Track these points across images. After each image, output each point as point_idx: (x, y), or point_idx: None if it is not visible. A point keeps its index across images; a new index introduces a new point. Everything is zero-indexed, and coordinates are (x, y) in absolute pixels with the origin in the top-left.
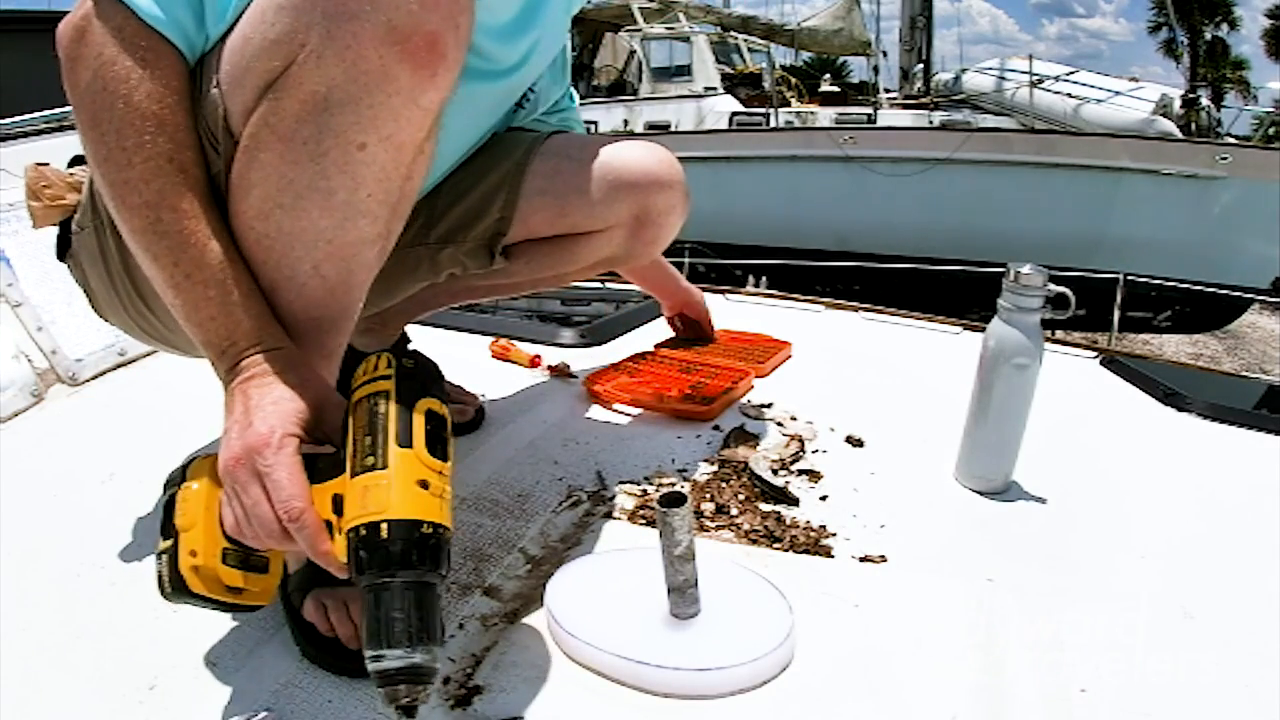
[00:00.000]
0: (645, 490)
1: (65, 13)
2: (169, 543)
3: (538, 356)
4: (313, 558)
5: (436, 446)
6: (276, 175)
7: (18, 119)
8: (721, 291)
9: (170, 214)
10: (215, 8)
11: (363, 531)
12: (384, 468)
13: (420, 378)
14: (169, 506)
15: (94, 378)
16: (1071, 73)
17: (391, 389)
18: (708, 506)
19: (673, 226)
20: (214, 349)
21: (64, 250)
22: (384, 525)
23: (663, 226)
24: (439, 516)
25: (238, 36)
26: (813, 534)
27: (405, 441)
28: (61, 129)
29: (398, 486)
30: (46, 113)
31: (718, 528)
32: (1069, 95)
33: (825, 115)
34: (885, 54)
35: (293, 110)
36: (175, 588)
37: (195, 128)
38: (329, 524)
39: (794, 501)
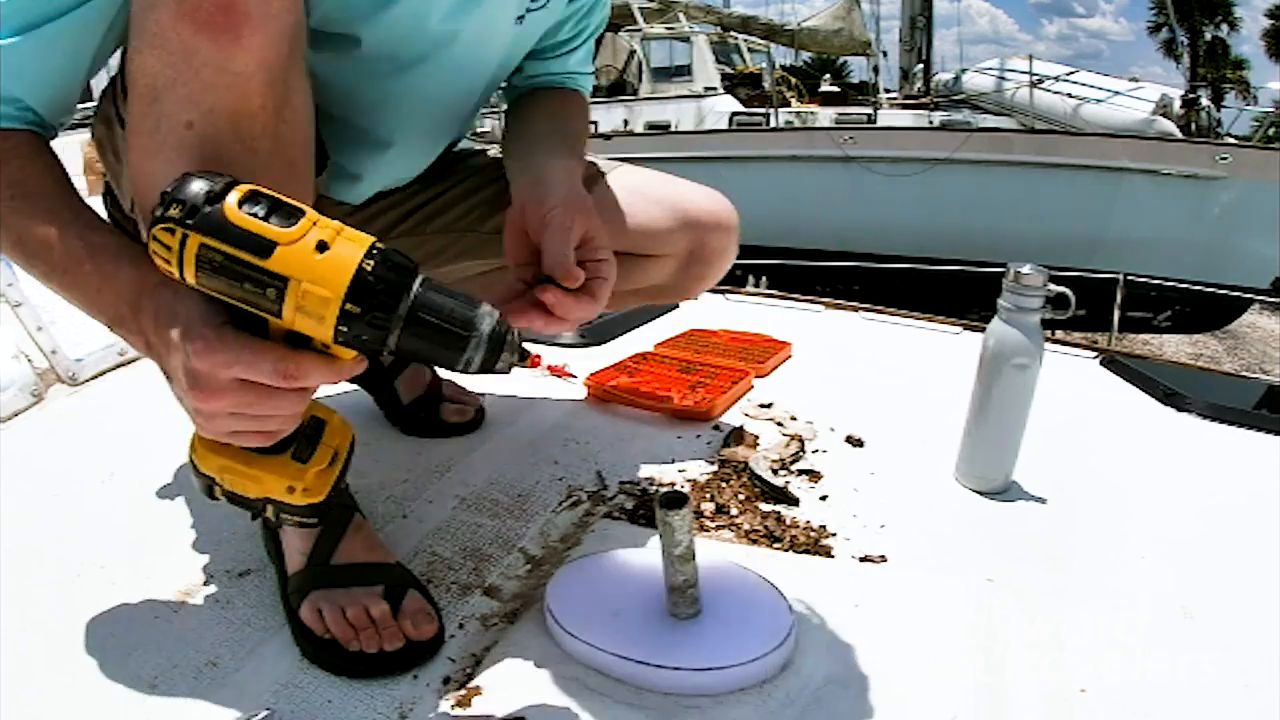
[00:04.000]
0: (645, 490)
1: None
2: (269, 508)
3: (538, 356)
4: (339, 379)
5: (274, 215)
6: (144, 172)
7: None
8: (721, 291)
9: (30, 235)
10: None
11: (344, 328)
12: (286, 281)
13: (198, 199)
14: (230, 496)
15: (94, 378)
16: (1071, 73)
17: (199, 237)
18: (708, 506)
19: (722, 268)
20: (122, 324)
21: None
22: (348, 306)
23: (713, 265)
24: (360, 242)
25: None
26: (813, 534)
27: (266, 250)
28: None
29: (313, 278)
30: None
31: (718, 528)
32: (1069, 95)
33: (825, 115)
34: (885, 54)
35: (137, 108)
36: (314, 511)
37: (42, 163)
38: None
39: (794, 501)
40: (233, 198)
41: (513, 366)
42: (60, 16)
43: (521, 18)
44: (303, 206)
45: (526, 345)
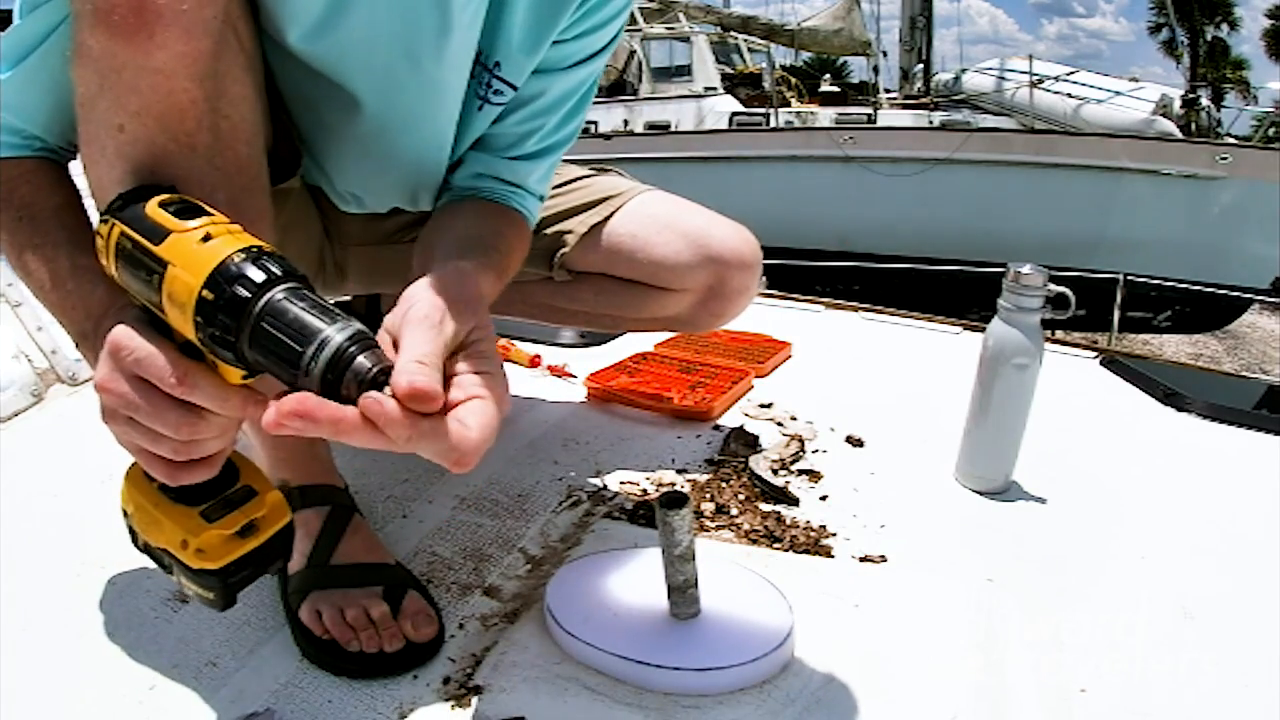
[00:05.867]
0: (645, 490)
1: None
2: (169, 564)
3: (538, 356)
4: (221, 409)
5: (187, 214)
6: (92, 181)
7: None
8: None
9: (29, 254)
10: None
11: (199, 319)
12: (165, 266)
13: (129, 194)
14: (137, 541)
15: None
16: (1071, 73)
17: (120, 225)
18: (708, 506)
19: (741, 306)
20: (85, 339)
21: None
22: (204, 293)
23: (733, 303)
24: (245, 241)
25: None
26: (813, 534)
27: (159, 236)
28: None
29: (184, 264)
30: None
31: (718, 528)
32: (1069, 95)
33: (825, 115)
34: (885, 54)
35: (80, 115)
36: (212, 584)
37: (49, 187)
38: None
39: (794, 501)
40: (158, 198)
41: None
42: (39, 45)
43: (482, 104)
44: (212, 211)
45: (525, 346)
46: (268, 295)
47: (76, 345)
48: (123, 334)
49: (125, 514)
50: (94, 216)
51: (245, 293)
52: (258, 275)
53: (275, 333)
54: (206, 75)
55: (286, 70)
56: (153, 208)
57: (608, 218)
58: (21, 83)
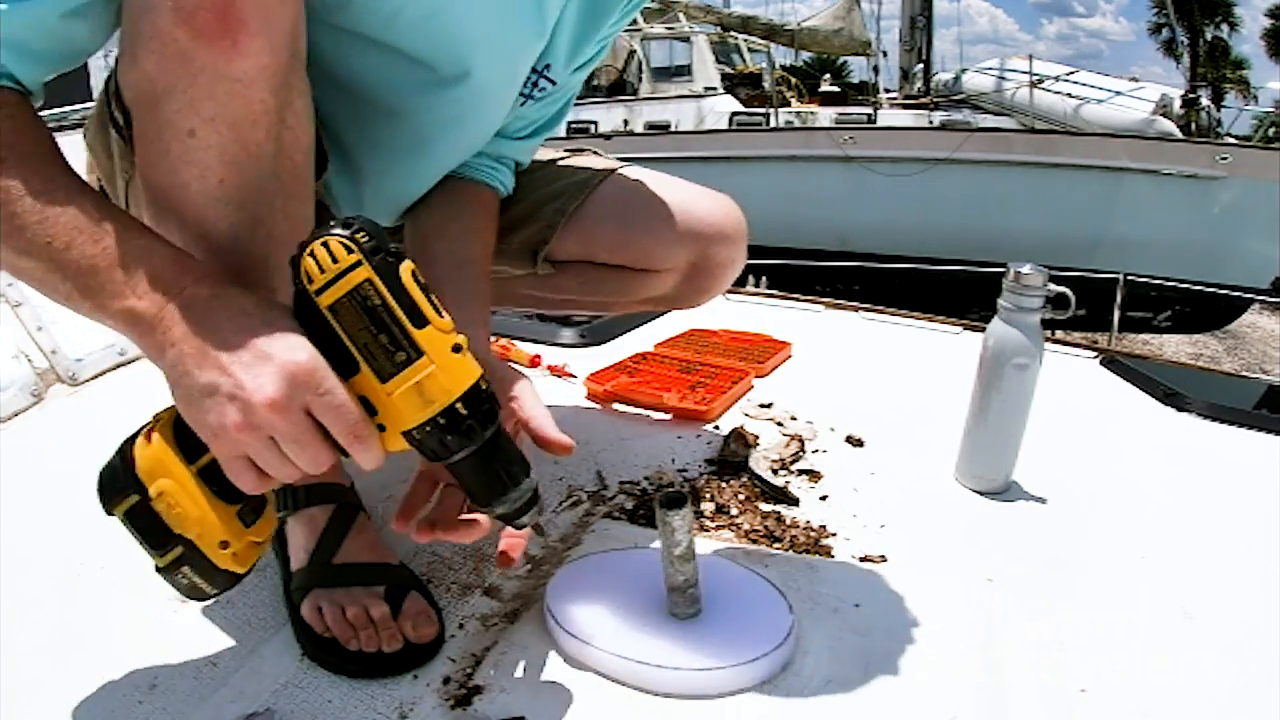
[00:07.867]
0: (645, 490)
1: None
2: (177, 550)
3: (538, 356)
4: (376, 464)
5: (435, 302)
6: (147, 180)
7: None
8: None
9: (31, 200)
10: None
11: (441, 421)
12: (420, 355)
13: (384, 244)
14: (148, 518)
15: (94, 378)
16: (1071, 73)
17: (371, 273)
18: (708, 506)
19: (728, 279)
20: (135, 296)
21: None
22: (458, 405)
23: (718, 277)
24: (478, 368)
25: None
26: (813, 534)
27: (420, 321)
28: (61, 129)
29: (444, 366)
30: (47, 112)
31: (718, 528)
32: (1069, 95)
33: (825, 115)
34: (885, 54)
35: (137, 113)
36: (223, 583)
37: (18, 119)
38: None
39: (794, 501)
40: (409, 266)
41: (525, 526)
42: None
43: (524, 100)
44: (444, 305)
45: (525, 346)
46: (495, 428)
47: (80, 298)
48: (317, 369)
49: (126, 477)
50: (111, 200)
51: (488, 420)
52: (493, 409)
53: (492, 464)
54: (279, 86)
55: (352, 56)
56: (409, 279)
57: (583, 203)
58: (22, 22)
